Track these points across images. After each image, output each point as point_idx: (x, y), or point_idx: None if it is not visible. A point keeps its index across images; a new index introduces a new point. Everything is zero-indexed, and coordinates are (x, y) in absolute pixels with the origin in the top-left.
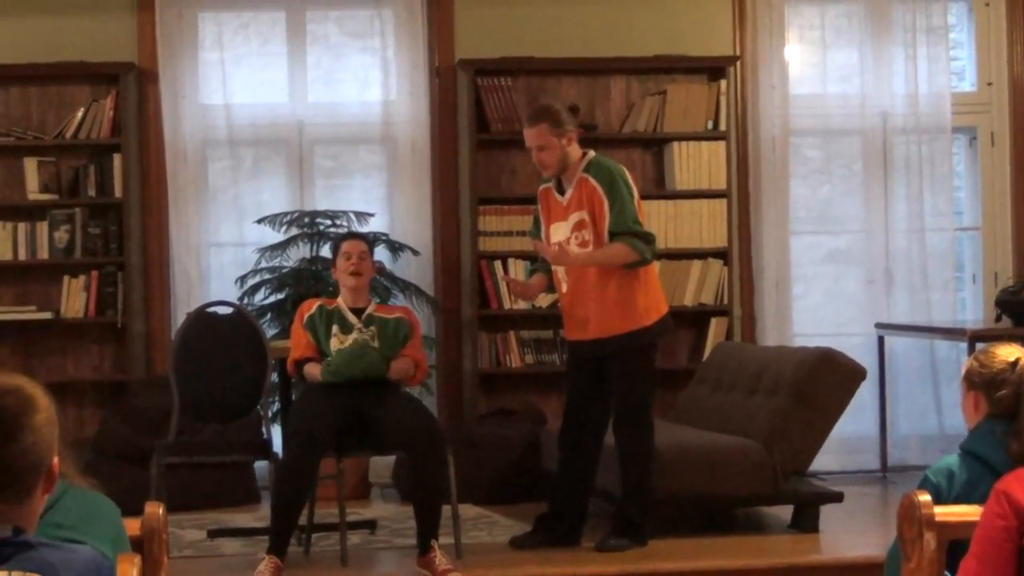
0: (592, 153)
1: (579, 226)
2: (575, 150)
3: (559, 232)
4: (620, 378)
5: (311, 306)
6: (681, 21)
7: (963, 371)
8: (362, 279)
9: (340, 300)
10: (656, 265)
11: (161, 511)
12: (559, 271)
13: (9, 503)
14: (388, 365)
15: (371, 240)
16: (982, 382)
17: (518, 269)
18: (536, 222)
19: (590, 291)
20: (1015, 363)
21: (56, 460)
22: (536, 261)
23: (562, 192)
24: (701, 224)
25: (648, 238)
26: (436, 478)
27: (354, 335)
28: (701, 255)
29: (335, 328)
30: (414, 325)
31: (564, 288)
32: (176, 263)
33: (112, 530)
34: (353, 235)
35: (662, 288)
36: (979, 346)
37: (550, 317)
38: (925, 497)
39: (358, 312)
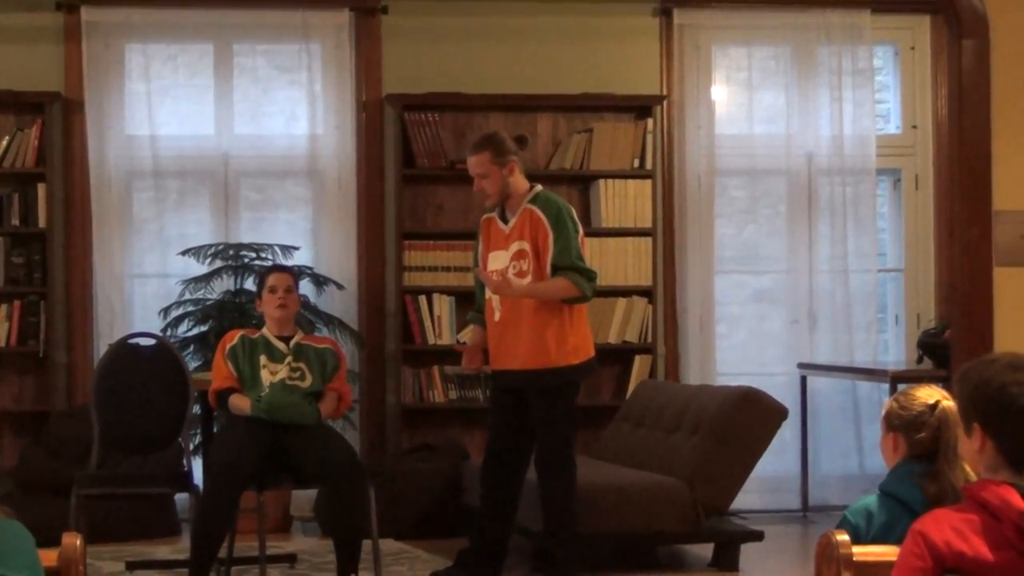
0: (539, 187)
1: (518, 256)
2: (520, 180)
3: (497, 260)
4: (542, 415)
5: (233, 337)
6: (609, 60)
7: (883, 412)
8: (288, 311)
9: (265, 330)
10: (585, 307)
11: (79, 542)
12: (493, 299)
13: None
14: (317, 407)
15: (296, 273)
16: (901, 424)
17: (442, 304)
18: (478, 253)
19: (523, 322)
20: (934, 406)
21: None
22: (472, 309)
23: (505, 221)
24: (626, 262)
25: (590, 275)
26: (356, 512)
27: (284, 374)
28: (626, 293)
29: (263, 359)
30: (341, 357)
31: (497, 316)
32: (99, 294)
33: (28, 560)
34: (279, 268)
35: None
36: (900, 387)
37: None
38: (843, 537)
39: (285, 340)
